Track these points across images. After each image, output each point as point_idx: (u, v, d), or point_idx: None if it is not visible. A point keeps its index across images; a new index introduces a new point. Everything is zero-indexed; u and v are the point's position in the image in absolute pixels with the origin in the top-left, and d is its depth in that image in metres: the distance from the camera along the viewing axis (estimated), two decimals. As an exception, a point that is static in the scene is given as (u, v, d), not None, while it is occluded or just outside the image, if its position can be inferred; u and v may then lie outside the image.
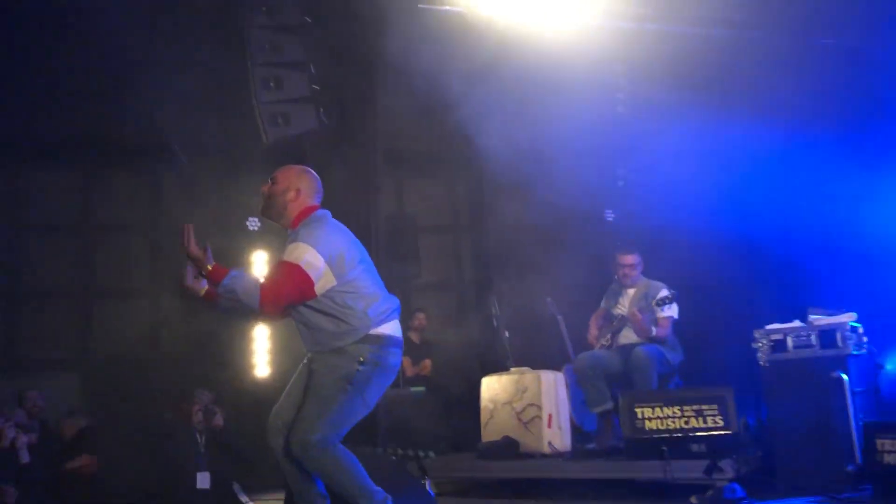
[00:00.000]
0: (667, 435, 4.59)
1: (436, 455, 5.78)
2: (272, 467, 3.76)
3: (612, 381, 5.69)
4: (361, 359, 3.41)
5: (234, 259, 7.13)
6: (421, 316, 7.68)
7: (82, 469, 5.62)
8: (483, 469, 5.36)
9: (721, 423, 4.61)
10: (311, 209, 3.60)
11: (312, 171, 3.72)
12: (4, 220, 7.43)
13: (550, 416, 5.30)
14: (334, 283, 3.43)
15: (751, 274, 6.67)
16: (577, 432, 5.69)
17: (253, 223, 7.16)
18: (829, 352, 4.68)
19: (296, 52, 6.70)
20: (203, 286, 3.45)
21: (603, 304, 6.18)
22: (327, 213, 3.65)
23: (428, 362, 7.53)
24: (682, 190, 6.79)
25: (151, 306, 7.62)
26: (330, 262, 3.41)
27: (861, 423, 4.49)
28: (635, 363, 5.50)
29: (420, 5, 7.05)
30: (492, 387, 5.63)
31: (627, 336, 5.85)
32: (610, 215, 7.81)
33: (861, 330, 4.85)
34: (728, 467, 4.37)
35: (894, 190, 6.17)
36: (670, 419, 4.65)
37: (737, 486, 4.19)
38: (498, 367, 6.21)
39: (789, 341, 4.79)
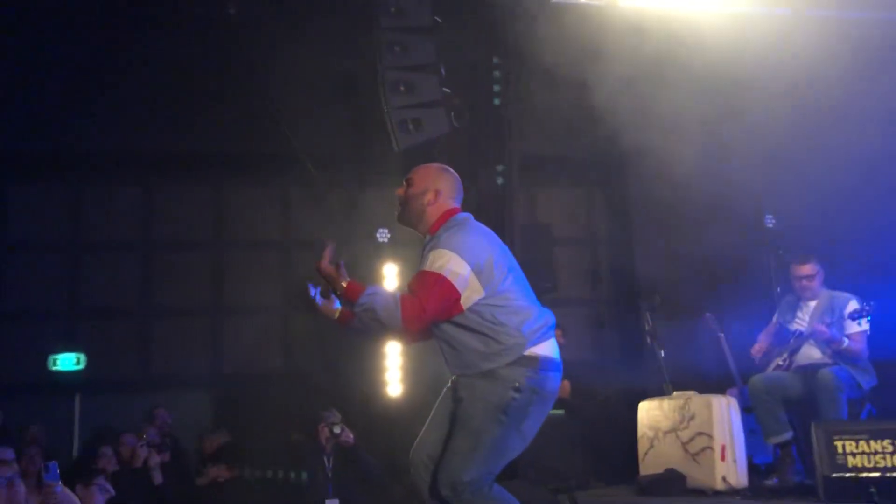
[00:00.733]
0: (877, 474, 3.84)
1: (581, 487, 5.23)
2: (406, 494, 3.31)
3: (790, 406, 4.97)
4: (517, 385, 2.93)
5: (363, 272, 6.88)
6: (558, 333, 7.10)
7: (217, 478, 5.37)
8: (644, 506, 4.75)
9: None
10: (453, 212, 3.17)
11: (452, 170, 3.29)
12: (137, 236, 7.44)
13: (724, 446, 4.64)
14: (482, 294, 2.98)
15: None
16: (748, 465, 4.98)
17: (382, 234, 6.86)
18: None
19: (426, 54, 6.36)
20: (337, 307, 3.06)
21: (775, 318, 5.46)
22: (469, 216, 3.20)
23: (567, 383, 6.94)
24: (857, 193, 6.02)
25: (281, 322, 7.44)
26: (477, 270, 2.97)
27: None
28: (822, 386, 4.76)
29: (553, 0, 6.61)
30: (652, 413, 5.02)
31: (808, 355, 5.10)
32: (770, 221, 7.01)
33: None
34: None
35: None
36: (879, 455, 3.91)
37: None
38: (646, 390, 5.60)
39: None
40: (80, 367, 7.02)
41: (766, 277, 6.55)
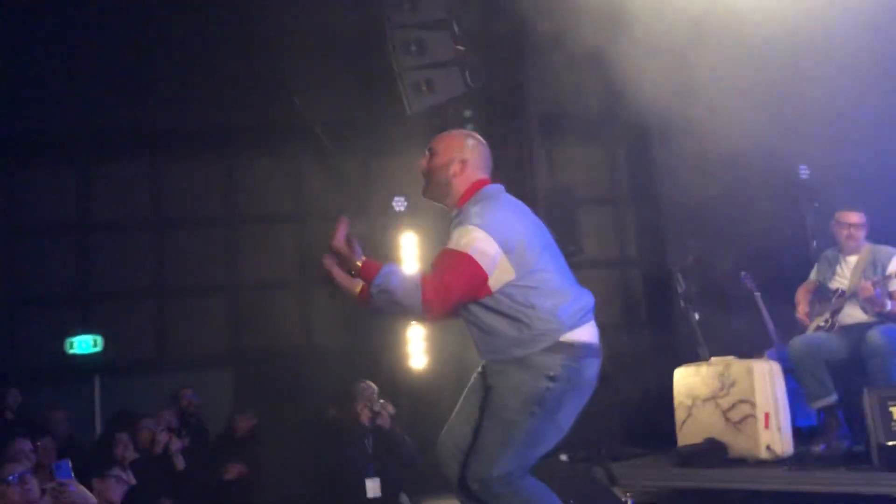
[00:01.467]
0: (935, 441, 3.60)
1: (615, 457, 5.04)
2: (436, 472, 3.12)
3: (834, 369, 4.71)
4: (552, 373, 2.69)
5: (380, 243, 6.69)
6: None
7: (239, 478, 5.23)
8: (684, 478, 4.55)
9: None
10: (481, 183, 2.89)
11: (478, 137, 3.01)
12: (148, 215, 7.28)
13: (767, 414, 4.41)
14: (513, 275, 2.72)
15: None
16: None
17: (399, 203, 6.63)
18: None
19: (436, 9, 6.04)
20: (357, 283, 2.74)
21: (813, 275, 5.18)
22: (500, 187, 2.93)
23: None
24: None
25: (299, 297, 7.26)
26: (507, 248, 2.70)
27: None
28: (870, 348, 4.49)
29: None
30: (688, 380, 4.79)
31: (852, 314, 4.83)
32: (805, 172, 6.67)
33: None
34: None
35: None
36: (937, 420, 3.65)
37: None
38: (679, 356, 5.37)
39: None
40: (98, 349, 6.93)
41: (801, 231, 6.25)
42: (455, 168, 2.88)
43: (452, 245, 2.72)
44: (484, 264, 2.67)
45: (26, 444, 4.70)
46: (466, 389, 2.93)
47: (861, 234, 4.90)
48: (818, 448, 4.53)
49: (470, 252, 2.66)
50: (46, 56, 6.68)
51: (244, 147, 7.29)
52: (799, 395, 4.84)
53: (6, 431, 5.19)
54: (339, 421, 5.56)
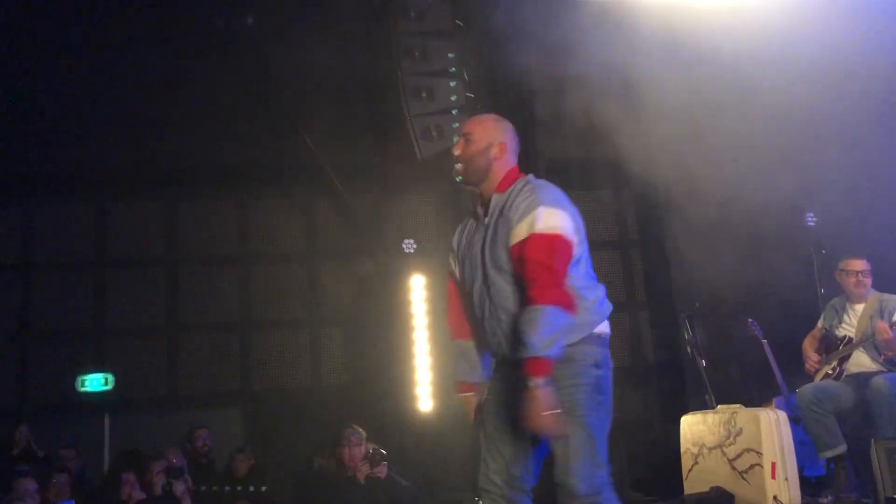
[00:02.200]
0: (944, 495, 3.58)
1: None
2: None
3: (842, 417, 4.71)
4: (595, 361, 2.65)
5: (390, 283, 6.73)
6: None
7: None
8: (690, 526, 4.52)
9: None
10: (516, 172, 2.84)
11: (508, 121, 2.95)
12: (162, 253, 7.35)
13: (774, 463, 4.37)
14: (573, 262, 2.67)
15: None
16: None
17: (409, 245, 6.67)
18: None
19: (446, 57, 6.17)
20: (543, 389, 2.52)
21: (820, 324, 5.20)
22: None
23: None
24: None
25: (310, 337, 7.29)
26: (577, 232, 2.68)
27: None
28: (876, 395, 4.50)
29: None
30: (695, 428, 4.78)
31: (859, 363, 4.85)
32: (811, 220, 6.71)
33: None
34: None
35: None
36: (945, 474, 3.63)
37: None
38: (686, 403, 5.35)
39: None
40: (109, 387, 6.95)
41: (809, 278, 6.27)
42: (495, 151, 2.81)
43: (538, 228, 2.59)
44: (574, 242, 2.63)
45: (32, 484, 4.72)
46: (489, 412, 2.79)
47: (869, 280, 4.94)
48: (826, 500, 4.52)
49: (560, 233, 2.60)
50: (64, 94, 6.81)
51: (258, 187, 7.38)
52: (807, 444, 4.83)
53: (13, 466, 5.22)
54: (323, 470, 5.48)
